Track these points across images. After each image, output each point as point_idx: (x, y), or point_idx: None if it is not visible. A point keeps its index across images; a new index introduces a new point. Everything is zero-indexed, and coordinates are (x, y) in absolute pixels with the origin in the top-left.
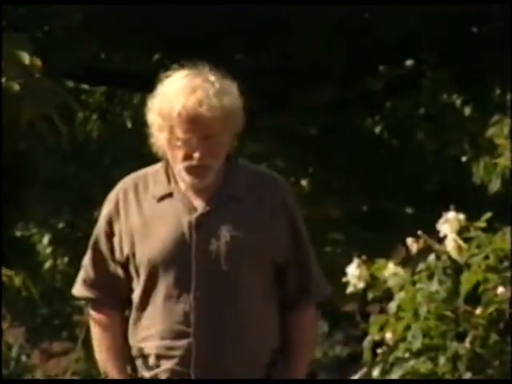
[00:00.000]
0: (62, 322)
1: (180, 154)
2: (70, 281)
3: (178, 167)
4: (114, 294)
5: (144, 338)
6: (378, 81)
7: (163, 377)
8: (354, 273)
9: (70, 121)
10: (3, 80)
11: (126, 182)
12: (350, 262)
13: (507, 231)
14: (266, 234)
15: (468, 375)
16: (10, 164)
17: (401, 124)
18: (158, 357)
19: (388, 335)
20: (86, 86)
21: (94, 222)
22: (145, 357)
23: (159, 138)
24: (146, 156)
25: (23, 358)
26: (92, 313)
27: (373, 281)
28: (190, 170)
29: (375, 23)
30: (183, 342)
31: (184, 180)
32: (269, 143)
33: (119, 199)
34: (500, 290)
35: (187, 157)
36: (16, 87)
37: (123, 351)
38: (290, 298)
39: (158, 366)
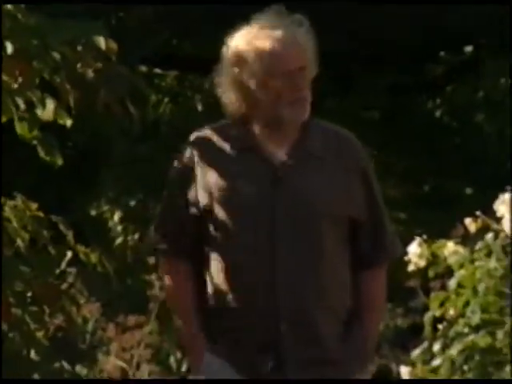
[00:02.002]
0: (135, 297)
1: (273, 93)
2: (141, 256)
3: (277, 104)
4: (186, 245)
5: (225, 291)
6: (438, 66)
7: (247, 328)
8: (416, 251)
9: (142, 104)
10: (78, 66)
11: (203, 133)
12: (411, 240)
13: None
14: (344, 191)
15: None
16: (87, 146)
17: (461, 108)
18: (241, 309)
19: (449, 311)
20: (158, 71)
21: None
22: (227, 309)
23: (245, 86)
24: None
25: (99, 332)
26: (163, 260)
27: (433, 259)
28: (292, 103)
29: (438, 10)
30: (269, 297)
31: (283, 116)
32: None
33: (196, 149)
34: None
35: (289, 90)
36: (90, 74)
37: (193, 301)
38: (365, 257)
39: (241, 317)
